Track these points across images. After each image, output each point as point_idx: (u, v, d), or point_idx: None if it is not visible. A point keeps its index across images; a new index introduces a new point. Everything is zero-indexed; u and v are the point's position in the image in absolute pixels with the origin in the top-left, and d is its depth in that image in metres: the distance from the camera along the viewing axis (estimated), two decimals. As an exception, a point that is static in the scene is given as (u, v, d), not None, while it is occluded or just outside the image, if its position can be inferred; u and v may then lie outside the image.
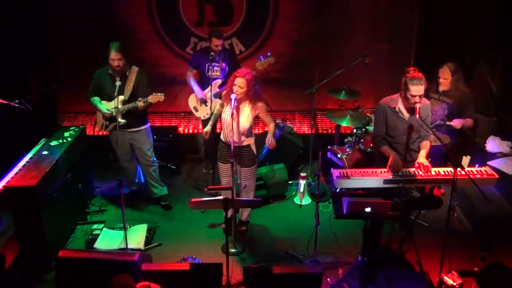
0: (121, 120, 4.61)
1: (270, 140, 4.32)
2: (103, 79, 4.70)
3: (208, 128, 4.53)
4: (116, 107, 4.54)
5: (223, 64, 5.25)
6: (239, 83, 4.10)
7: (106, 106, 4.69)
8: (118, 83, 4.48)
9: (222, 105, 4.43)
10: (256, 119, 4.42)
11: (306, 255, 4.31)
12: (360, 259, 3.88)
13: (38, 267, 4.08)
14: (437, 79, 4.75)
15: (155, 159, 5.07)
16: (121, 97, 4.62)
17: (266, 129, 6.18)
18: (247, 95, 4.16)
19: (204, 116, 5.48)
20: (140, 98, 4.53)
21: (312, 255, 4.25)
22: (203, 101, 5.37)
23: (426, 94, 4.10)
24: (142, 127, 4.86)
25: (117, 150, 4.90)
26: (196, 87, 5.40)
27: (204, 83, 5.41)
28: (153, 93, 4.50)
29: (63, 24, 5.89)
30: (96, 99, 4.77)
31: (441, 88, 4.75)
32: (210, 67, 5.22)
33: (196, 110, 5.54)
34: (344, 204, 3.62)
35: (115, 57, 4.47)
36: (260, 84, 4.23)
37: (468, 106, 4.71)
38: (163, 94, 4.50)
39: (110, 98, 4.64)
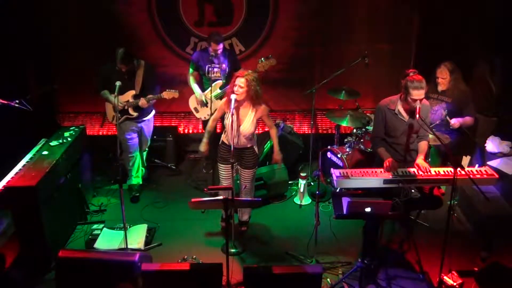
0: (134, 113, 4.95)
1: (278, 158, 4.49)
2: (111, 75, 4.85)
3: (204, 146, 4.47)
4: (126, 101, 4.83)
5: (223, 65, 5.25)
6: (240, 82, 4.11)
7: (119, 100, 4.79)
8: (118, 83, 4.55)
9: (214, 120, 4.45)
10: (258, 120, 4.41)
11: (306, 255, 4.31)
12: (360, 259, 3.88)
13: (38, 267, 4.08)
14: (435, 79, 4.76)
15: (149, 144, 5.43)
16: (132, 92, 4.90)
17: (266, 129, 6.22)
18: (248, 95, 4.16)
19: (204, 117, 5.48)
20: (156, 95, 4.89)
21: (312, 255, 4.25)
22: (203, 104, 5.37)
23: (425, 94, 4.10)
24: (150, 116, 5.21)
25: (124, 141, 5.09)
26: (196, 88, 5.41)
27: (204, 84, 5.41)
28: (167, 90, 4.86)
29: (63, 24, 5.89)
30: (106, 92, 4.96)
31: (440, 88, 4.76)
32: (210, 68, 5.22)
33: (197, 111, 5.54)
34: (344, 204, 3.62)
35: (121, 66, 4.78)
36: (261, 85, 4.23)
37: (467, 104, 4.71)
38: (177, 91, 4.88)
39: (120, 92, 4.71)
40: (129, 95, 4.91)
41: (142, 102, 4.87)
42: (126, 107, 4.95)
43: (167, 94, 4.82)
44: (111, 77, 4.82)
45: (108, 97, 4.97)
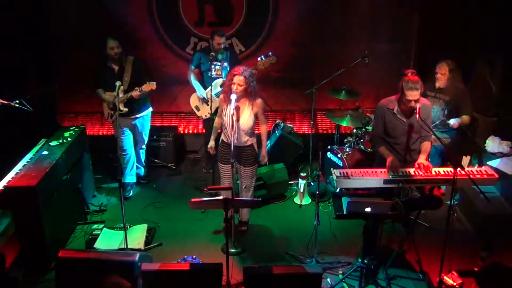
0: (123, 109, 4.98)
1: (264, 156, 4.49)
2: (103, 70, 5.02)
3: (212, 143, 4.53)
4: (116, 97, 4.84)
5: (225, 64, 5.25)
6: (238, 81, 4.11)
7: (109, 97, 5.00)
8: (118, 83, 4.63)
9: (220, 116, 4.43)
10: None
11: (306, 255, 4.31)
12: (360, 259, 3.88)
13: (38, 267, 4.08)
14: (434, 75, 4.77)
15: (146, 142, 5.49)
16: (121, 88, 4.93)
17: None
18: (246, 92, 4.17)
19: (205, 116, 5.49)
20: (136, 88, 4.84)
21: (312, 255, 4.25)
22: (205, 101, 5.38)
23: (423, 93, 4.10)
24: (144, 112, 5.27)
25: (118, 138, 5.14)
26: (197, 86, 5.42)
27: (205, 82, 5.42)
28: (147, 82, 4.82)
29: (63, 24, 5.89)
30: (100, 91, 5.09)
31: (437, 84, 4.77)
32: (211, 67, 5.23)
33: (198, 109, 5.55)
34: (344, 204, 3.62)
35: (113, 44, 4.88)
36: (256, 81, 4.26)
37: (464, 103, 4.73)
38: (154, 83, 4.82)
39: (111, 89, 4.85)
40: (119, 92, 4.91)
41: (135, 93, 4.87)
42: (117, 103, 4.95)
43: (145, 87, 4.82)
44: (104, 75, 4.99)
45: (102, 95, 5.09)
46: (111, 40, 4.92)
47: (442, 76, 4.72)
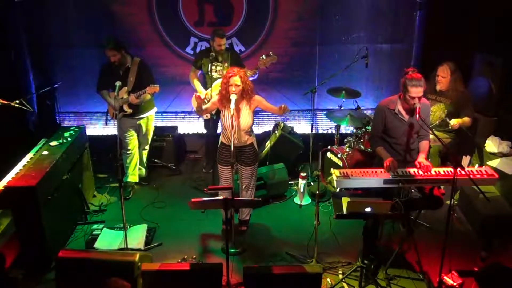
0: (128, 110, 5.02)
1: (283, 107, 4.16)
2: (108, 70, 5.02)
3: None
4: (120, 98, 4.90)
5: (226, 64, 5.26)
6: (235, 81, 4.11)
7: (113, 100, 4.98)
8: (118, 83, 4.61)
9: (205, 109, 4.44)
10: (257, 115, 4.40)
11: (306, 255, 4.31)
12: (360, 259, 3.87)
13: (38, 267, 4.08)
14: (435, 77, 4.76)
15: (149, 143, 5.53)
16: (125, 88, 4.98)
17: (266, 129, 6.22)
18: (243, 91, 4.17)
19: (206, 116, 5.49)
20: (142, 91, 4.89)
21: (312, 255, 4.25)
22: (206, 102, 5.38)
23: (424, 95, 4.09)
24: (148, 113, 5.28)
25: (123, 138, 5.17)
26: (199, 86, 5.42)
27: (207, 83, 5.42)
28: (150, 84, 4.84)
29: (63, 23, 5.90)
30: (104, 92, 5.11)
31: (438, 87, 4.76)
32: (212, 67, 5.24)
33: (199, 110, 5.55)
34: (344, 204, 3.62)
35: (109, 54, 4.86)
36: (252, 79, 4.27)
37: (465, 105, 4.72)
38: (158, 85, 4.87)
39: (115, 88, 4.78)
40: (123, 92, 4.97)
41: (132, 98, 4.95)
42: (121, 104, 5.01)
43: (149, 89, 4.85)
44: (108, 75, 4.96)
45: (106, 98, 5.12)
46: (107, 51, 4.86)
47: (444, 79, 4.70)
